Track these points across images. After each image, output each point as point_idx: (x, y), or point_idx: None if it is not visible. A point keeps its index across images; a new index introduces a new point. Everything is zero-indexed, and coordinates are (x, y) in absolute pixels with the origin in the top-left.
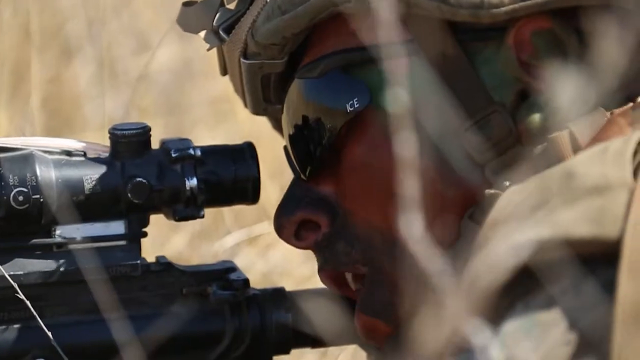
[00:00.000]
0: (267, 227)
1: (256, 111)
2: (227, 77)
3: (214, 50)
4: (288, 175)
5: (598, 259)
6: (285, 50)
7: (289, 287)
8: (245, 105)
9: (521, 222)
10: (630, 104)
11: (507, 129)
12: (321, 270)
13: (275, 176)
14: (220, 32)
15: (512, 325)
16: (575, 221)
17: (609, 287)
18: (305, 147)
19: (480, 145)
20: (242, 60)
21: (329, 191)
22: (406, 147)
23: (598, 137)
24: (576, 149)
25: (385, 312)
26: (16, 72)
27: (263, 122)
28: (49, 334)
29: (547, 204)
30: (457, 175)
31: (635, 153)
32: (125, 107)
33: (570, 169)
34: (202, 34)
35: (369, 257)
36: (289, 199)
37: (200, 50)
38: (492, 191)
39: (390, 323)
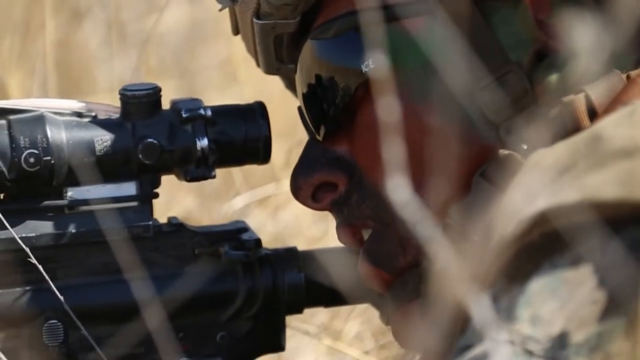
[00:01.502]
0: (277, 188)
1: (269, 71)
2: (237, 39)
3: (224, 12)
4: (297, 136)
5: (626, 220)
6: (298, 10)
7: (300, 248)
8: (258, 65)
9: (547, 184)
10: None
11: (523, 89)
12: (339, 227)
13: (284, 137)
14: None
15: (538, 284)
16: (603, 184)
17: (637, 246)
18: (320, 108)
19: (496, 105)
20: (254, 20)
21: (344, 150)
22: (389, 112)
23: (619, 98)
24: (592, 112)
25: (388, 263)
26: (26, 35)
27: (272, 83)
28: (61, 297)
29: (575, 167)
30: (471, 133)
31: None
32: (135, 69)
33: (597, 132)
34: None
35: (378, 214)
36: (306, 161)
37: (210, 12)
38: (506, 152)
39: (392, 273)
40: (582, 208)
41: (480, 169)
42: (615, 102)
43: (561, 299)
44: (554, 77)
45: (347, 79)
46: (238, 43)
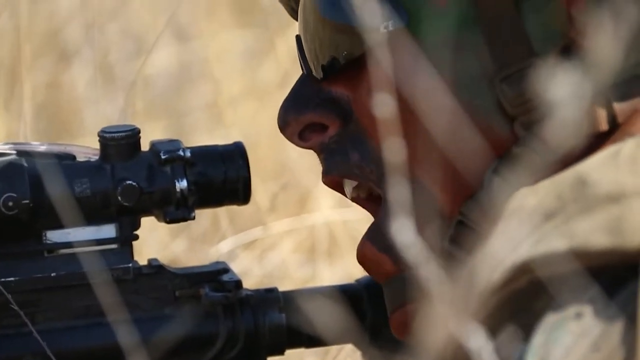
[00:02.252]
0: (263, 232)
1: None
2: (223, 81)
3: (211, 53)
4: (283, 179)
5: (620, 269)
6: None
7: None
8: None
9: (532, 231)
10: None
11: (544, 85)
12: (327, 175)
13: (271, 180)
14: None
15: (542, 338)
16: (591, 232)
17: (634, 299)
18: (324, 50)
19: (514, 98)
20: None
21: (342, 94)
22: (396, 152)
23: (625, 129)
24: (612, 119)
25: (392, 248)
26: (13, 76)
27: (260, 125)
28: (43, 342)
29: (561, 212)
30: (484, 123)
31: None
32: (122, 110)
33: (582, 175)
34: None
35: (384, 181)
36: (298, 96)
37: (197, 54)
38: (519, 148)
39: (397, 263)
40: (571, 256)
41: (493, 165)
42: (620, 133)
43: (566, 348)
44: (577, 77)
45: (360, 35)
46: (225, 85)
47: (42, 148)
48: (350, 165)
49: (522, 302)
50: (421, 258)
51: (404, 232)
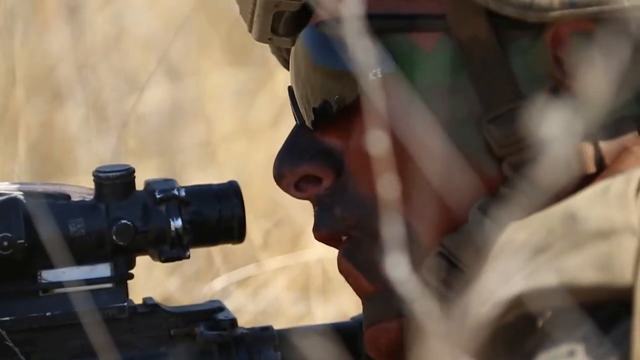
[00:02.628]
0: (257, 269)
1: (260, 39)
2: (215, 119)
3: (205, 89)
4: (276, 216)
5: (609, 305)
6: None
7: (281, 327)
8: (250, 31)
9: (523, 265)
10: None
11: (532, 126)
12: (317, 231)
13: (263, 217)
14: None
15: None
16: (581, 268)
17: (627, 337)
18: (316, 99)
19: (502, 139)
20: None
21: (335, 144)
22: (389, 189)
23: (614, 167)
24: (599, 161)
25: (368, 269)
26: (6, 117)
27: (252, 163)
28: None
29: (551, 248)
30: (473, 163)
31: (638, 191)
32: (115, 149)
33: (572, 211)
34: None
35: (363, 224)
36: (293, 148)
37: (190, 91)
38: (506, 189)
39: (373, 282)
40: (561, 292)
41: (478, 202)
42: (610, 170)
43: None
44: (565, 118)
45: (350, 81)
46: (218, 123)
47: (38, 188)
48: (336, 222)
49: (513, 338)
50: (416, 294)
51: (399, 268)
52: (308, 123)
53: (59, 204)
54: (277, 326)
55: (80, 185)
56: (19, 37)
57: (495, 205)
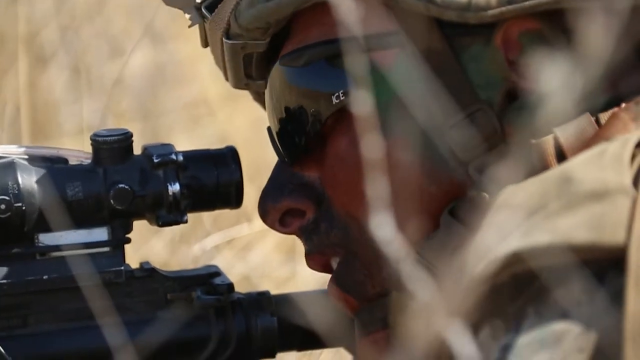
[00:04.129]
0: (246, 230)
1: (237, 86)
2: (201, 81)
3: (188, 53)
4: (261, 180)
5: (602, 264)
6: (268, 33)
7: (268, 289)
8: (227, 79)
9: (520, 223)
10: (636, 99)
11: (492, 128)
12: (308, 256)
13: (252, 179)
14: (203, 10)
15: (527, 338)
16: (575, 227)
17: (619, 297)
18: (290, 133)
19: (465, 143)
20: (224, 40)
21: (314, 177)
22: (373, 148)
23: (601, 134)
24: (560, 154)
25: (357, 290)
26: None
27: (238, 126)
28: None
29: (545, 208)
30: (440, 171)
31: (633, 156)
32: (100, 113)
33: (567, 173)
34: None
35: (346, 243)
36: (274, 185)
37: (173, 55)
38: (474, 192)
39: (361, 300)
40: (554, 250)
41: (448, 206)
42: (596, 137)
43: (549, 349)
44: (524, 117)
45: (318, 108)
46: (201, 87)
47: (35, 151)
48: (322, 237)
49: (506, 296)
50: (401, 254)
51: (384, 228)
52: (286, 159)
53: (57, 167)
54: (262, 289)
55: (78, 149)
56: (3, 1)
57: (463, 208)
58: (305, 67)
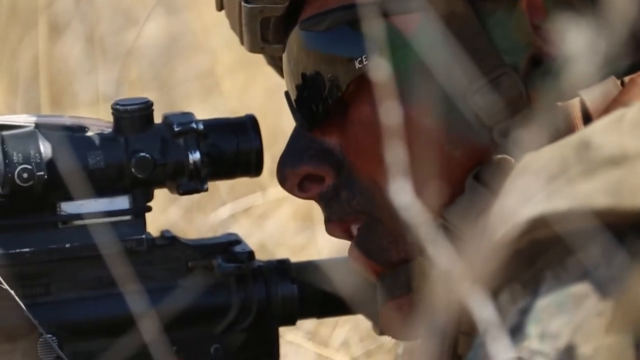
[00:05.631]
0: (262, 198)
1: (253, 49)
2: (214, 51)
3: (202, 23)
4: (278, 148)
5: (621, 227)
6: None
7: (285, 256)
8: (242, 43)
9: (539, 190)
10: None
11: (517, 92)
12: (328, 223)
13: (268, 148)
14: None
15: (545, 301)
16: (593, 192)
17: (638, 257)
18: (310, 98)
19: (489, 107)
20: (243, 3)
21: (334, 143)
22: (391, 115)
23: (618, 99)
24: (586, 116)
25: (380, 256)
26: (5, 50)
27: (253, 95)
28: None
29: (564, 174)
30: (464, 136)
31: None
32: (114, 82)
33: (586, 139)
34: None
35: (369, 210)
36: (293, 150)
37: (187, 25)
38: (499, 156)
39: (385, 266)
40: (575, 215)
41: (473, 171)
42: (614, 102)
43: (568, 313)
44: (548, 82)
45: (338, 74)
46: (217, 56)
47: (56, 120)
48: (343, 205)
49: (525, 261)
50: (419, 219)
51: (402, 194)
52: (305, 125)
53: (78, 136)
54: (280, 256)
55: (99, 118)
56: None
57: (488, 172)
58: (327, 32)
